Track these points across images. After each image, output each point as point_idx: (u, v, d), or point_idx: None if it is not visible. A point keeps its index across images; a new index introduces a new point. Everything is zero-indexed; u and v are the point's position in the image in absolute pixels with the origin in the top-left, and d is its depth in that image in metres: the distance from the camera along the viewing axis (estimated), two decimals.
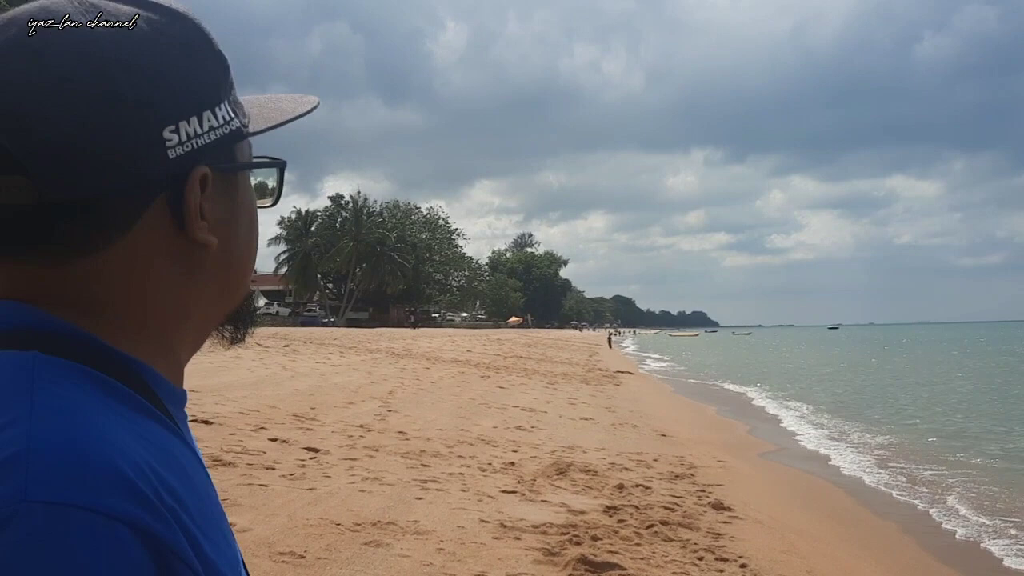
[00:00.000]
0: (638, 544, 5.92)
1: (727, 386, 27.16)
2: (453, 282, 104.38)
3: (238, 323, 0.72)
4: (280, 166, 0.71)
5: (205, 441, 7.52)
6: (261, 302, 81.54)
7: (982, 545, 7.65)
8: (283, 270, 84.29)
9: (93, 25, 0.56)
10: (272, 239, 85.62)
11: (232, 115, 0.64)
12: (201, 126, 0.60)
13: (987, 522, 8.41)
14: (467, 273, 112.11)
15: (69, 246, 0.56)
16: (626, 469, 8.94)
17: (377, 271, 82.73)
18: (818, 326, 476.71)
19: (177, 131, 0.58)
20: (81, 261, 0.57)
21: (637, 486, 7.98)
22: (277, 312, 79.00)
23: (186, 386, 0.67)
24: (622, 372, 28.18)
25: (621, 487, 7.84)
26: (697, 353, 62.36)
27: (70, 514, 0.45)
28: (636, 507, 7.03)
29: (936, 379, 30.01)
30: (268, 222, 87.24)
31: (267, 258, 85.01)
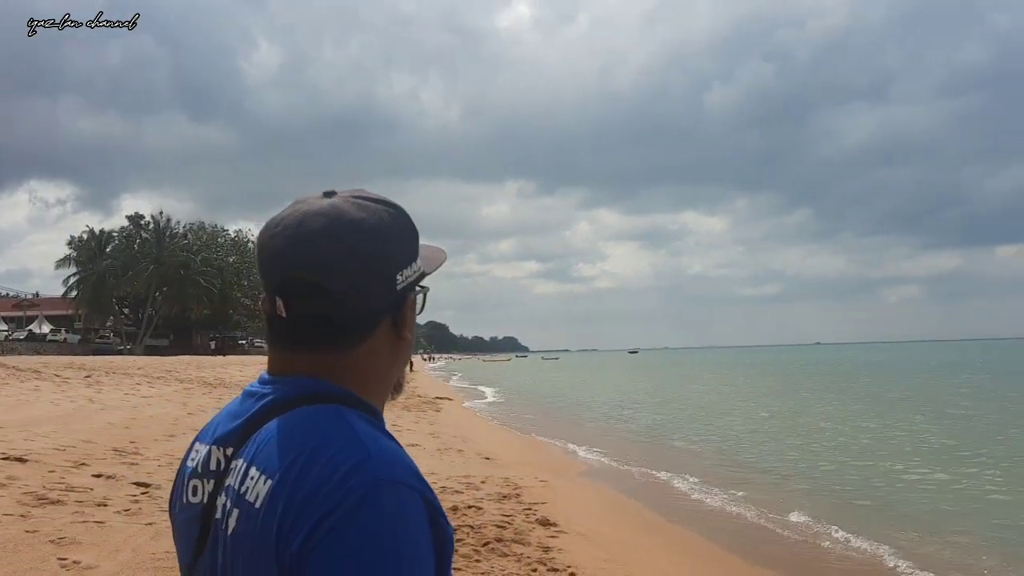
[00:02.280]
0: (477, 560, 6.36)
1: (541, 408, 28.30)
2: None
3: (397, 391, 1.13)
4: (425, 291, 1.12)
5: (24, 479, 7.17)
6: (46, 328, 74.87)
7: (768, 536, 8.74)
8: (73, 294, 77.80)
9: (363, 216, 0.99)
10: (60, 261, 78.90)
11: (420, 264, 1.08)
12: (410, 271, 1.04)
13: (774, 516, 9.58)
14: None
15: (345, 343, 1.00)
16: (457, 492, 9.36)
17: (180, 296, 78.34)
18: (619, 350, 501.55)
19: (402, 275, 1.02)
20: (349, 351, 1.00)
21: (470, 507, 8.43)
22: (65, 339, 72.74)
23: None
24: (441, 398, 28.61)
25: (455, 509, 8.25)
26: (509, 377, 64.09)
27: (399, 487, 0.87)
28: (471, 527, 7.46)
29: (736, 399, 32.84)
30: (58, 241, 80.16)
31: (55, 281, 78.12)
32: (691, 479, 12.59)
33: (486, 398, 35.84)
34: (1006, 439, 17.37)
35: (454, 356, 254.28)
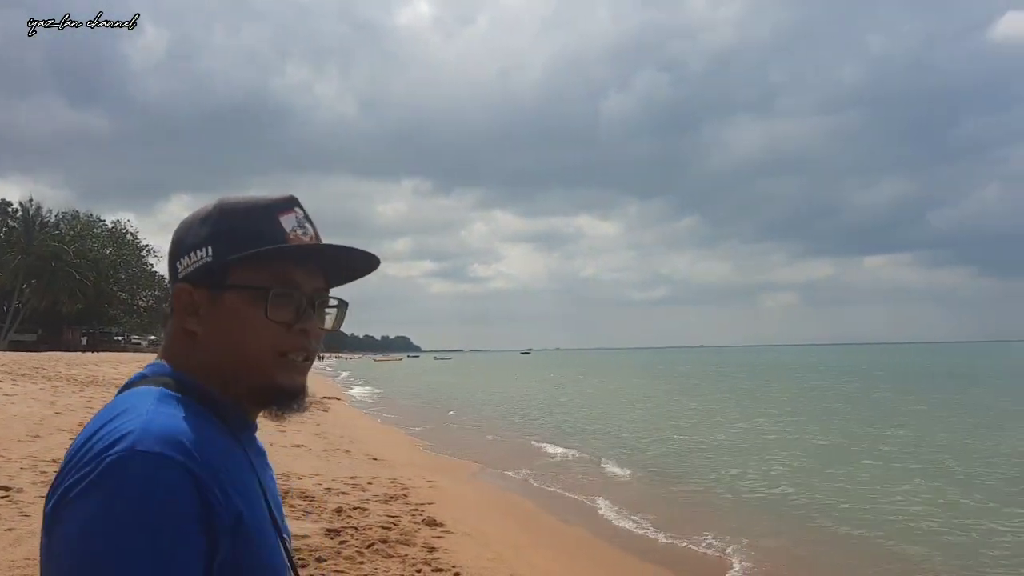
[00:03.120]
0: (361, 562, 6.28)
1: (433, 409, 28.18)
2: (141, 302, 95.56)
3: (271, 406, 1.12)
4: (297, 301, 1.11)
5: None
6: None
7: (641, 535, 9.00)
8: None
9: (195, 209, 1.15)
10: None
11: (207, 255, 1.08)
12: (189, 260, 1.10)
13: (635, 517, 9.86)
14: (158, 293, 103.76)
15: (164, 326, 1.14)
16: (343, 493, 9.21)
17: (51, 288, 73.87)
18: (512, 351, 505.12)
19: (180, 263, 1.10)
20: (169, 335, 1.11)
21: (355, 508, 8.31)
22: None
23: None
24: (329, 398, 28.08)
25: (340, 510, 8.12)
26: (401, 377, 63.55)
27: (157, 458, 0.89)
28: (356, 528, 7.36)
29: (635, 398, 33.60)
30: None
31: None
32: (579, 478, 12.82)
33: (369, 399, 35.39)
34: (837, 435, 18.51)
35: (344, 355, 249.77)
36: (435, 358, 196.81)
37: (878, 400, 30.82)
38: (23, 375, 22.95)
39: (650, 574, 7.69)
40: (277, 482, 1.26)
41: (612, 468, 14.28)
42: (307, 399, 1.14)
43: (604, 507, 10.74)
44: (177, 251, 1.10)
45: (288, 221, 1.11)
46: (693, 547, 8.72)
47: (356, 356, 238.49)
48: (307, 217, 1.16)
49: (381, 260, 1.17)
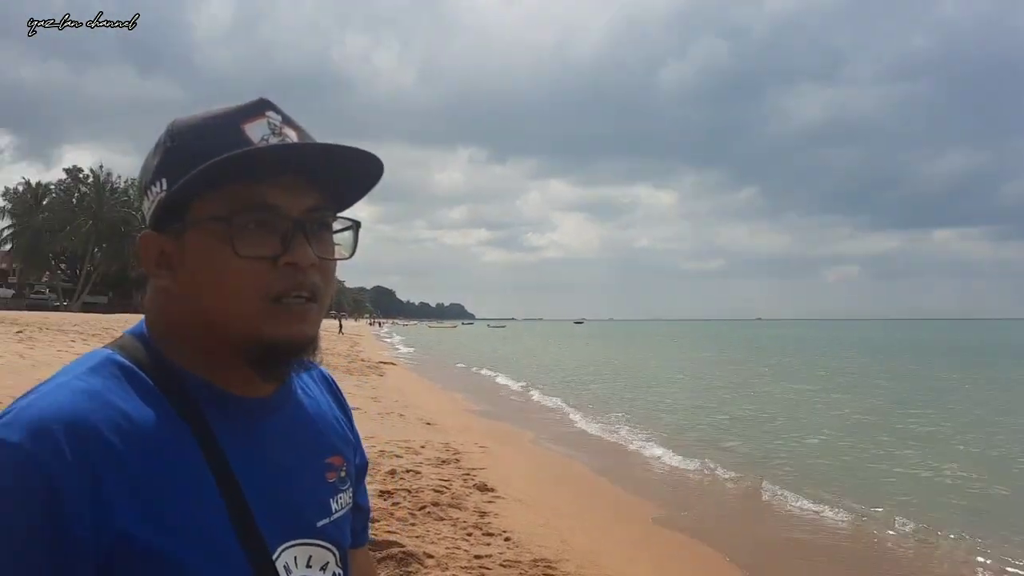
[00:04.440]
0: (413, 524, 6.36)
1: (487, 374, 28.33)
2: None
3: (267, 366, 0.86)
4: (295, 226, 0.84)
5: None
6: None
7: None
8: (7, 247, 75.35)
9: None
10: None
11: (161, 189, 0.85)
12: (148, 201, 0.88)
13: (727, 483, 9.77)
14: None
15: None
16: (396, 456, 9.34)
17: (119, 253, 76.26)
18: (565, 320, 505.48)
19: (144, 207, 0.89)
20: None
21: (408, 471, 8.42)
22: None
23: None
24: (385, 363, 28.46)
25: (393, 473, 8.23)
26: (456, 344, 64.14)
27: (8, 447, 0.72)
28: (408, 491, 7.46)
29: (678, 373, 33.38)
30: None
31: None
32: (647, 448, 12.77)
33: (423, 364, 35.75)
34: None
35: (400, 321, 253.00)
36: (488, 326, 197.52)
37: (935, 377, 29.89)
38: (94, 335, 23.76)
39: (697, 550, 7.60)
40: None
41: (657, 447, 14.18)
42: (316, 353, 0.88)
43: (662, 480, 10.68)
44: (141, 194, 0.88)
45: (256, 129, 0.85)
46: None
47: (412, 323, 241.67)
48: (288, 121, 0.89)
49: (382, 171, 0.94)
